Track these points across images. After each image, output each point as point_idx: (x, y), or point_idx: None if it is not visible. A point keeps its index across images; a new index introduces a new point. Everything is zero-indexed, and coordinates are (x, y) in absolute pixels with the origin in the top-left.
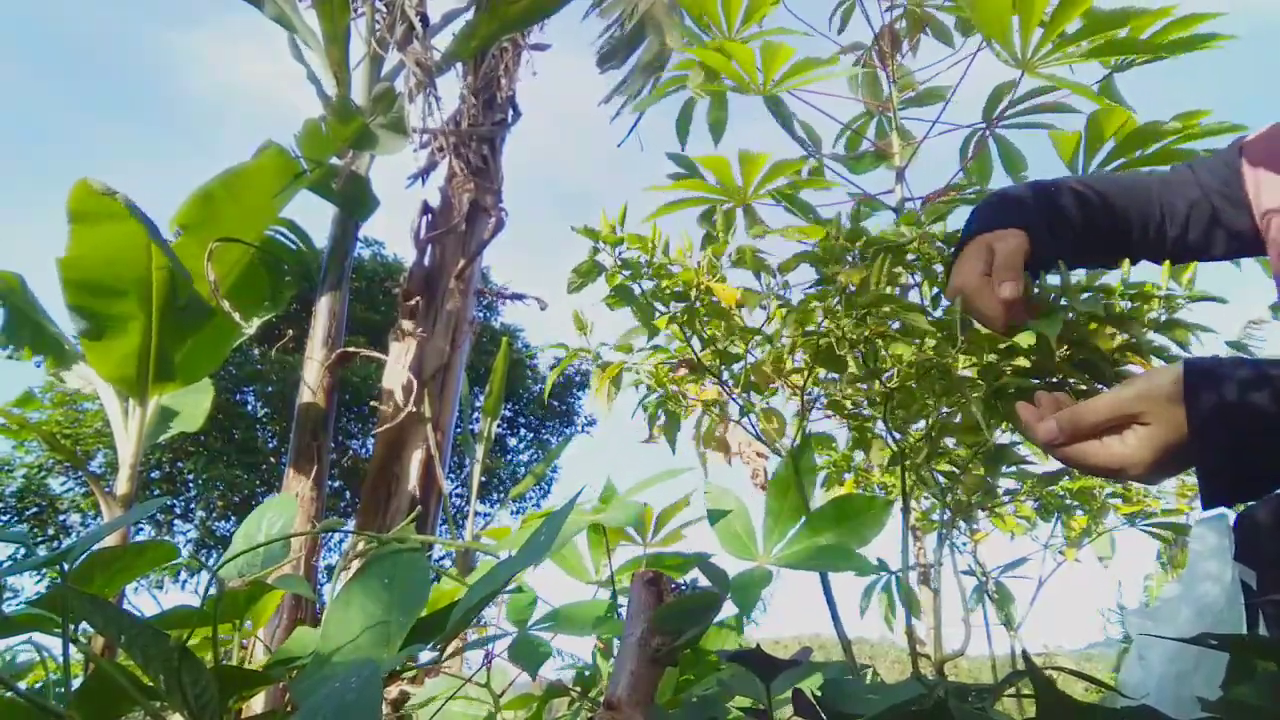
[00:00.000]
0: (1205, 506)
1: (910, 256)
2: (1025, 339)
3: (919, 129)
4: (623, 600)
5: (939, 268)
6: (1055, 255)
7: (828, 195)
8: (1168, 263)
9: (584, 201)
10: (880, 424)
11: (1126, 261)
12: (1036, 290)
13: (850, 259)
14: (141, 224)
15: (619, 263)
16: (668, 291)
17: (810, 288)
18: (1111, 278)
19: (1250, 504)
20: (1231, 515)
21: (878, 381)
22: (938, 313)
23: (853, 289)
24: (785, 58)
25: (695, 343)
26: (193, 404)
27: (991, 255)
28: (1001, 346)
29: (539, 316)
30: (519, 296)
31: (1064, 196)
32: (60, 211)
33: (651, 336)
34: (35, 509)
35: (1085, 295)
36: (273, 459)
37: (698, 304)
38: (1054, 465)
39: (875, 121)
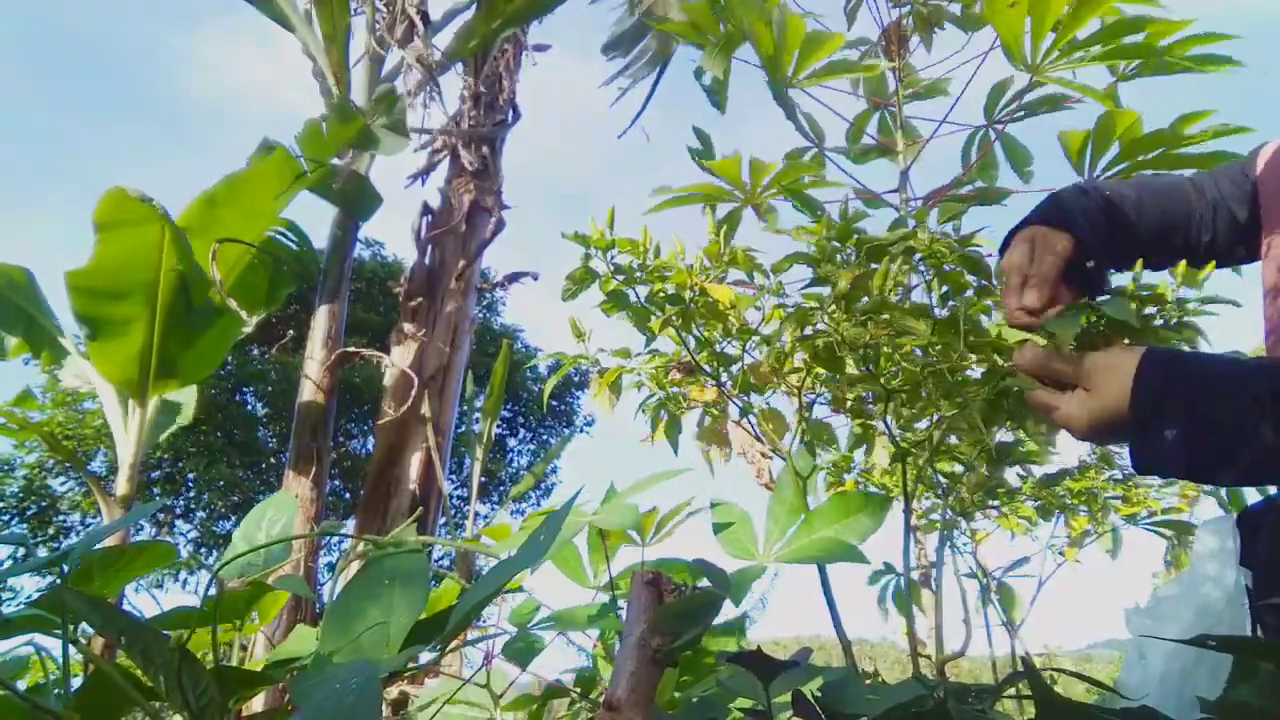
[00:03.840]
0: (1135, 470)
1: (917, 256)
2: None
3: (922, 127)
4: (622, 605)
5: (948, 267)
6: (1106, 257)
7: (834, 192)
8: (1183, 264)
9: (584, 203)
10: (882, 422)
11: (1140, 262)
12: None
13: (842, 258)
14: (168, 229)
15: (612, 268)
16: (661, 295)
17: (805, 287)
18: (1123, 279)
19: (1251, 505)
20: (1233, 518)
21: (879, 382)
22: (942, 311)
23: (850, 289)
24: (834, 46)
25: (691, 345)
26: (184, 397)
27: (1033, 249)
28: (1013, 342)
29: (539, 316)
30: (514, 278)
31: (1119, 199)
32: (60, 213)
33: (649, 342)
34: (36, 509)
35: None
36: (273, 459)
37: (692, 306)
38: (1054, 467)
39: (878, 116)
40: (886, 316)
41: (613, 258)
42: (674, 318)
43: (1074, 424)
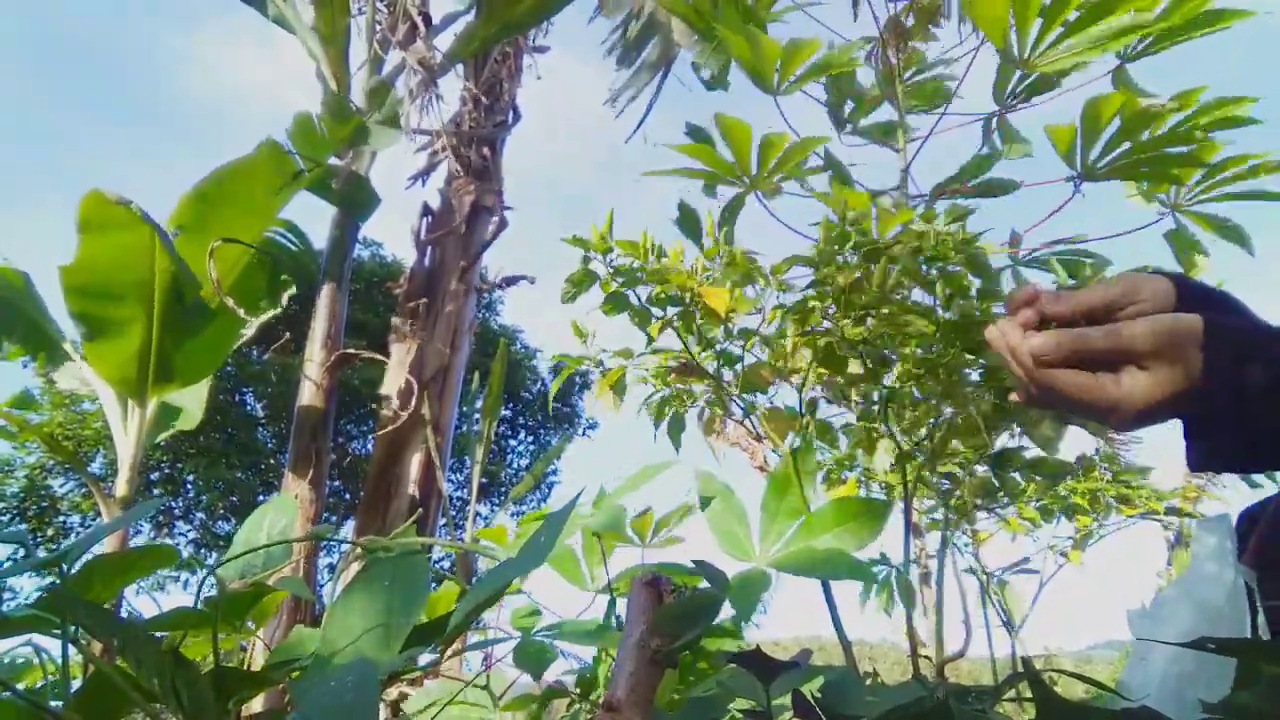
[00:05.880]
0: (1192, 469)
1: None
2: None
3: (927, 120)
4: (621, 607)
5: (955, 268)
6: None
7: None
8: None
9: (586, 204)
10: (884, 424)
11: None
12: None
13: (841, 260)
14: (152, 230)
15: (611, 270)
16: (663, 296)
17: (806, 289)
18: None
19: (1251, 504)
20: (1233, 516)
21: (880, 382)
22: (947, 314)
23: (850, 289)
24: (809, 53)
25: (693, 344)
26: (190, 400)
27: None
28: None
29: (539, 317)
30: (512, 281)
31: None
32: (60, 213)
33: (650, 342)
34: (36, 509)
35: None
36: (272, 460)
37: (693, 308)
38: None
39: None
40: (888, 312)
41: (612, 260)
42: (675, 319)
43: (1133, 404)
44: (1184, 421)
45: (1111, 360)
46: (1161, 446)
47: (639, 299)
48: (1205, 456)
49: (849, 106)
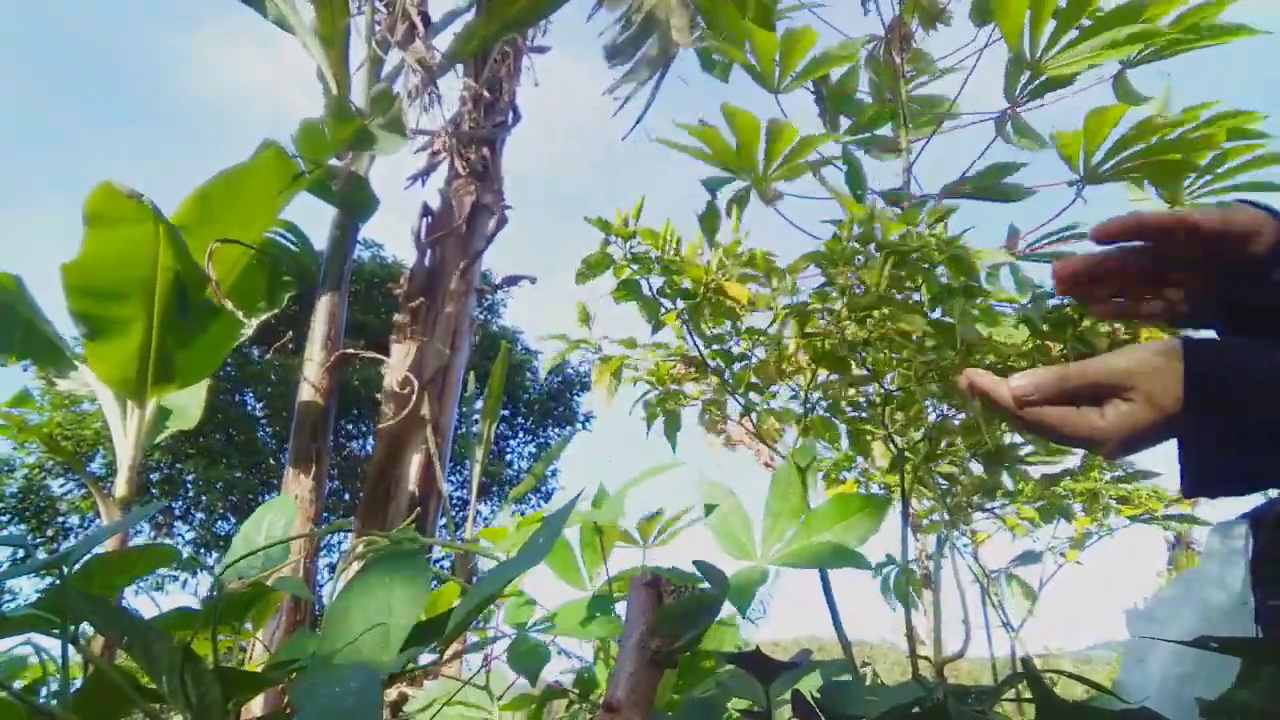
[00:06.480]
0: (1186, 495)
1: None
2: (1020, 336)
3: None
4: (620, 607)
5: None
6: None
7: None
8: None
9: (584, 204)
10: (881, 425)
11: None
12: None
13: (859, 261)
14: (162, 226)
15: (629, 256)
16: (674, 288)
17: (816, 289)
18: None
19: (1257, 507)
20: (1232, 517)
21: (878, 384)
22: (936, 313)
23: (860, 289)
24: (808, 45)
25: (699, 341)
26: (188, 399)
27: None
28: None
29: (538, 319)
30: (512, 281)
31: None
32: (60, 213)
33: (656, 331)
34: (35, 510)
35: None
36: (272, 460)
37: (704, 303)
38: (1055, 467)
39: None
40: (886, 311)
41: (631, 247)
42: (685, 311)
43: (1118, 435)
44: (1178, 445)
45: (1094, 394)
46: (1161, 452)
47: (650, 289)
48: (1196, 463)
49: (846, 122)
